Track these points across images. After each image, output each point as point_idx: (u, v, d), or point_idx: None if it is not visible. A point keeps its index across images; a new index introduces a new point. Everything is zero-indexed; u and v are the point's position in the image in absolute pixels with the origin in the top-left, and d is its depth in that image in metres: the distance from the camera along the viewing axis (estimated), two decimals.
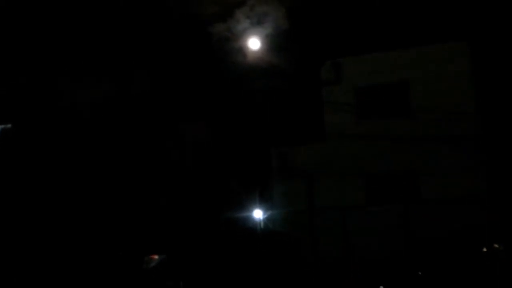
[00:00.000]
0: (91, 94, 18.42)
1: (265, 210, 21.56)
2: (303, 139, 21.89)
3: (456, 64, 20.84)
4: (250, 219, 21.47)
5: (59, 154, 18.75)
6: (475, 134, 19.95)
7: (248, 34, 22.62)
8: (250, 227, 21.37)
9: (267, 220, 21.52)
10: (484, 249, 19.31)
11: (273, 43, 22.61)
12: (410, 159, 20.76)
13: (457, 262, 18.99)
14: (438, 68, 21.16)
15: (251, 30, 22.63)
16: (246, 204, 21.23)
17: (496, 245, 19.35)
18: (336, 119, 21.78)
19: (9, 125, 17.42)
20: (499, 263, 18.76)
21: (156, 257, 21.00)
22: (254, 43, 22.57)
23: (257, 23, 22.56)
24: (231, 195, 21.34)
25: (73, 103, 18.42)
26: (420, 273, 19.57)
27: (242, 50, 22.64)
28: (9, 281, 17.94)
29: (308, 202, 21.42)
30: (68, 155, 19.14)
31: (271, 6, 22.56)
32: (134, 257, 20.16)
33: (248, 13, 22.64)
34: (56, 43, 18.79)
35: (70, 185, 19.62)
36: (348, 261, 19.98)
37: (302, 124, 21.98)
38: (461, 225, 19.31)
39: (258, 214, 21.52)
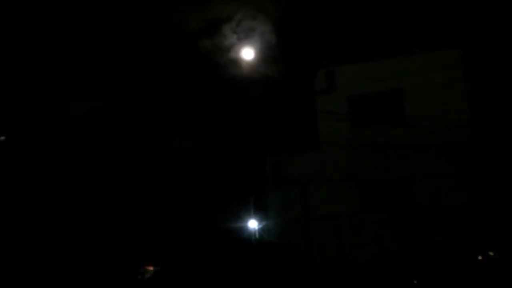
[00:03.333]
0: (83, 102, 18.49)
1: (260, 220, 21.50)
2: (298, 147, 21.89)
3: (449, 71, 20.88)
4: (245, 229, 21.39)
5: (49, 166, 18.76)
6: (469, 141, 19.93)
7: (236, 48, 22.65)
8: (245, 238, 21.27)
9: (262, 230, 21.44)
10: (479, 257, 19.16)
11: (264, 55, 22.67)
12: (405, 166, 20.73)
13: (452, 269, 18.85)
14: (432, 76, 21.17)
15: (239, 44, 22.64)
16: (240, 214, 21.16)
17: (491, 253, 19.20)
18: (330, 128, 21.80)
19: (2, 137, 17.86)
20: (494, 271, 18.45)
21: (151, 268, 20.88)
22: (246, 54, 22.62)
23: (245, 37, 22.59)
24: (226, 205, 21.28)
25: (65, 111, 18.48)
26: (415, 282, 19.42)
27: (234, 62, 22.68)
28: None
29: (303, 210, 21.38)
30: (60, 167, 19.14)
31: (258, 21, 22.60)
32: (129, 268, 20.00)
33: (235, 28, 22.68)
34: (47, 51, 18.82)
35: (64, 196, 19.48)
36: (344, 269, 19.87)
37: (297, 133, 21.98)
38: (455, 232, 19.23)
39: (253, 224, 21.45)
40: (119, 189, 19.98)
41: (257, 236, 21.11)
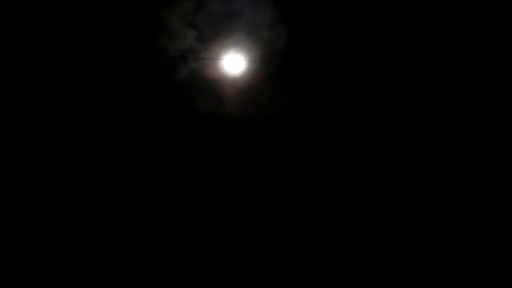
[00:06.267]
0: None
1: None
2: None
3: None
4: None
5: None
6: None
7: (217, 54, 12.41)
8: None
9: None
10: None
11: (272, 70, 12.23)
12: None
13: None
14: None
15: (219, 48, 12.54)
16: None
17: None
18: None
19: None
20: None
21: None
22: (231, 63, 12.08)
23: (228, 33, 12.58)
24: None
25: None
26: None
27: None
28: None
29: None
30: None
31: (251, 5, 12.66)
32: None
33: (209, 19, 12.39)
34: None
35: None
36: None
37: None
38: None
39: None
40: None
41: None
